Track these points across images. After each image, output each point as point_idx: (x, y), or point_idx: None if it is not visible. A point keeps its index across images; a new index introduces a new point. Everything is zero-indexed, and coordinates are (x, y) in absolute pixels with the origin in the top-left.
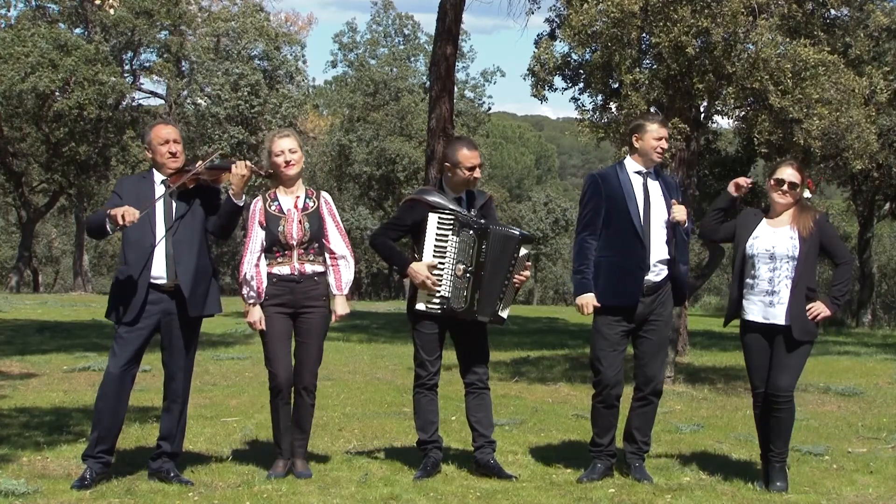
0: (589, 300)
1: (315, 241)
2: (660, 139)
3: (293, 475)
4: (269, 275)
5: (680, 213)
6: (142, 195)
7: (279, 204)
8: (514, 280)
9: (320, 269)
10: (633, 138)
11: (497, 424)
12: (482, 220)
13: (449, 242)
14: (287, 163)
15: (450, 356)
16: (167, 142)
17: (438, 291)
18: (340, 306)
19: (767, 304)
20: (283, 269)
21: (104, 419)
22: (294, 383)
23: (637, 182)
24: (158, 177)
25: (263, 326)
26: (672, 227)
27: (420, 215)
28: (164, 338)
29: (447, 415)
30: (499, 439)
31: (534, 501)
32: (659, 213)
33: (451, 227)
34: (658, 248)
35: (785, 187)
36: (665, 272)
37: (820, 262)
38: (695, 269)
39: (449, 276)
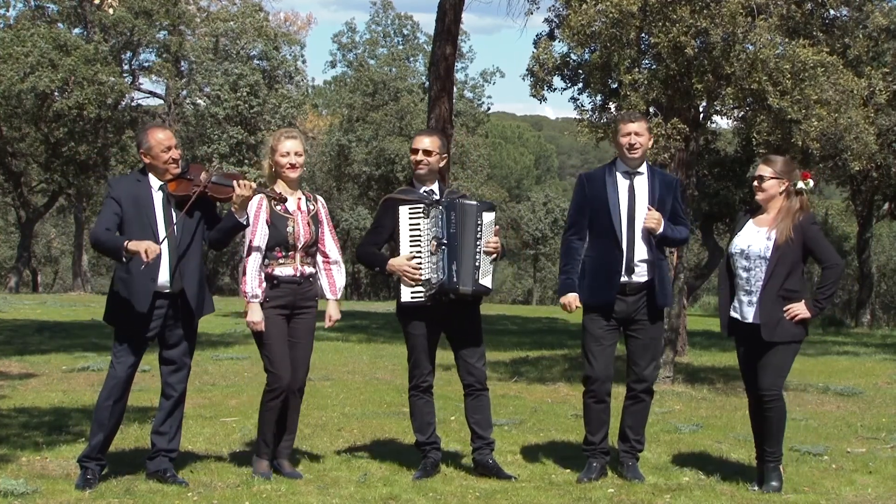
0: (572, 299)
1: (316, 244)
2: (627, 134)
3: (283, 476)
4: (270, 276)
5: (651, 220)
6: (140, 200)
7: (284, 204)
8: (486, 246)
9: (314, 271)
10: (613, 140)
11: (496, 424)
12: (447, 198)
13: (422, 229)
14: (291, 165)
15: (448, 356)
16: (169, 148)
17: (420, 277)
18: (335, 310)
19: (746, 304)
20: (286, 271)
21: (110, 423)
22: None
23: (622, 184)
24: (155, 182)
25: (263, 328)
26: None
27: (394, 212)
28: (164, 339)
29: (446, 415)
30: (498, 439)
31: (533, 501)
32: (643, 215)
33: (422, 213)
34: (640, 250)
35: (755, 182)
36: (648, 273)
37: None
38: (694, 270)
39: (427, 259)
